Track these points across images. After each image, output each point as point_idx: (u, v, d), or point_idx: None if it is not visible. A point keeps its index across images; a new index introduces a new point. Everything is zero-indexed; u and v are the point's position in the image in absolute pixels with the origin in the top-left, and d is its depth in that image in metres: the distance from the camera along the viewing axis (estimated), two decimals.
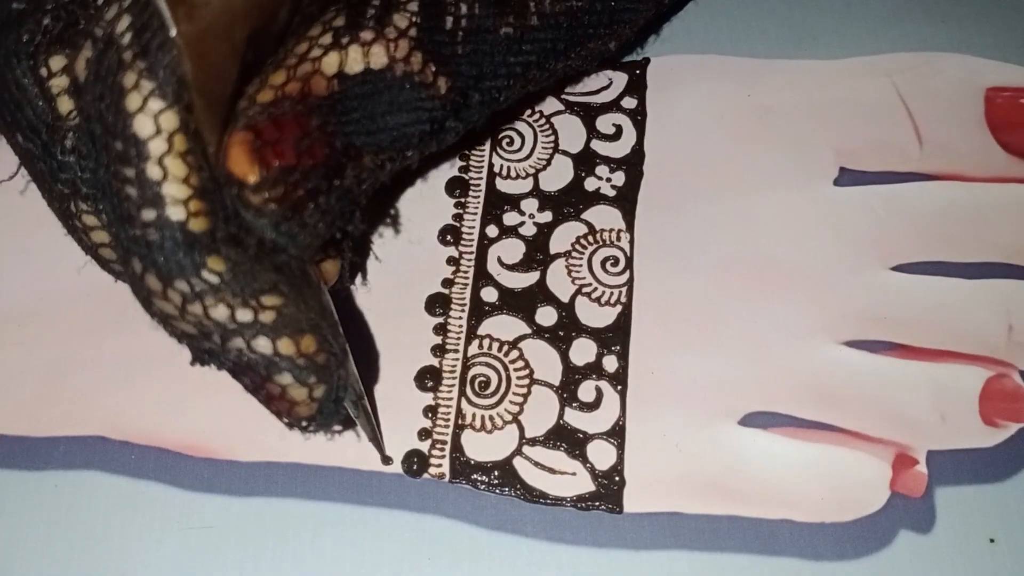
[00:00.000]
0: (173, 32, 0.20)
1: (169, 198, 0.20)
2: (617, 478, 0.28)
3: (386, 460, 0.28)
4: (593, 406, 0.29)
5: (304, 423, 0.24)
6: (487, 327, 0.30)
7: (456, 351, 0.30)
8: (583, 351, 0.30)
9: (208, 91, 0.21)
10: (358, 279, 0.31)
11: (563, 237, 0.31)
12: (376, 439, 0.28)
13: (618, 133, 0.33)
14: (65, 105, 0.23)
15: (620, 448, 0.28)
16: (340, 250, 0.26)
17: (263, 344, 0.22)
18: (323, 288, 0.25)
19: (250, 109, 0.22)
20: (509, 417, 0.29)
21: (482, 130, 0.29)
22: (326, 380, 0.23)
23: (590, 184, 0.32)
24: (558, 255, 0.31)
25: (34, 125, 0.23)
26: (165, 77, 0.20)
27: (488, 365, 0.29)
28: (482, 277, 0.31)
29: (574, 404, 0.29)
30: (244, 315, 0.22)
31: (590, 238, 0.31)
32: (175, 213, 0.21)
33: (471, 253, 0.31)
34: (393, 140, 0.24)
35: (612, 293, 0.30)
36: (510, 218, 0.32)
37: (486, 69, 0.25)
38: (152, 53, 0.20)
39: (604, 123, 0.33)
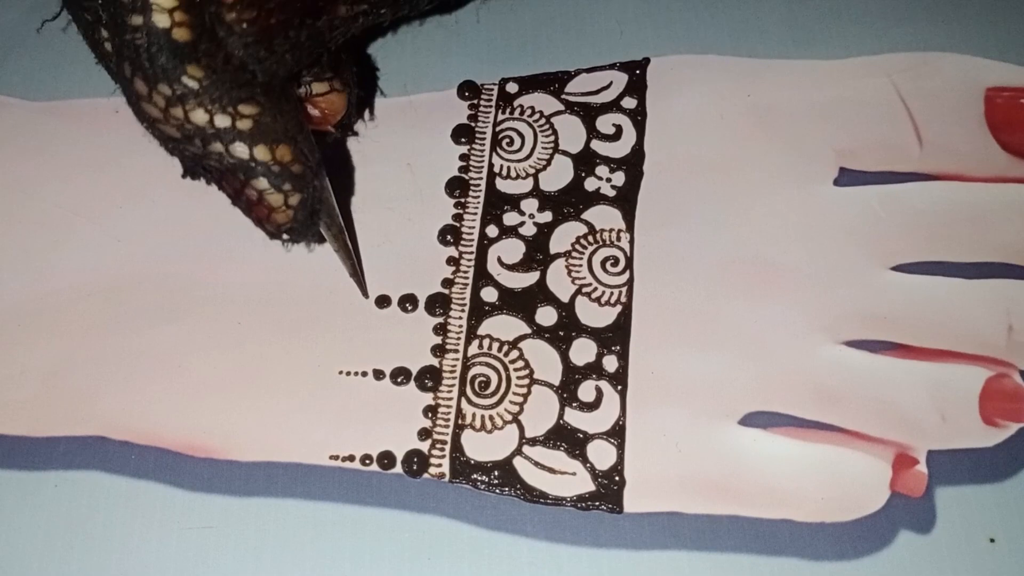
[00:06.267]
0: None
1: (155, 6, 0.23)
2: (617, 478, 0.28)
3: (366, 294, 0.30)
4: (593, 406, 0.29)
5: (282, 230, 0.26)
6: (487, 327, 0.30)
7: (456, 351, 0.30)
8: (583, 351, 0.30)
9: None
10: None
11: (563, 237, 0.31)
12: (356, 274, 0.29)
13: (618, 133, 0.33)
14: None
15: (620, 448, 0.28)
16: (346, 83, 0.28)
17: (240, 149, 0.24)
18: (301, 110, 0.27)
19: None
20: (509, 417, 0.29)
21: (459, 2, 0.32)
22: (301, 188, 0.25)
23: (590, 184, 0.32)
24: (558, 255, 0.31)
25: None
26: None
27: (488, 365, 0.29)
28: (482, 277, 0.31)
29: (574, 404, 0.29)
30: (222, 120, 0.24)
31: (590, 238, 0.31)
32: (160, 20, 0.23)
33: (471, 253, 0.31)
34: None
35: (612, 293, 0.30)
36: (510, 218, 0.32)
37: None
38: None
39: (604, 123, 0.33)
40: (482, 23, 0.35)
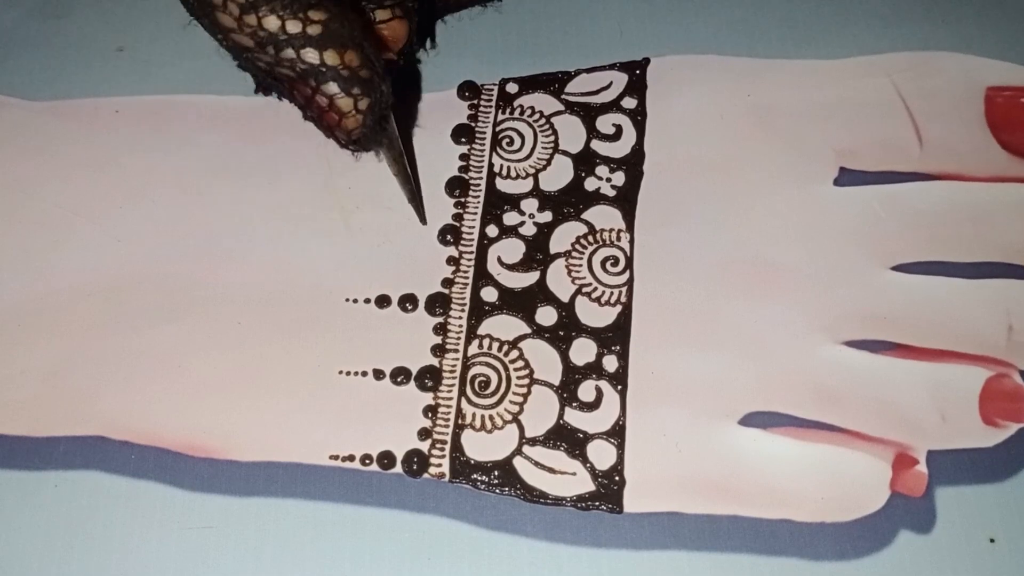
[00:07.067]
0: None
1: None
2: (617, 478, 0.28)
3: (424, 220, 0.31)
4: (593, 406, 0.29)
5: (352, 136, 0.27)
6: (487, 327, 0.30)
7: (456, 351, 0.30)
8: (583, 351, 0.30)
9: None
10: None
11: (563, 237, 0.31)
12: (415, 199, 0.30)
13: (618, 133, 0.33)
14: None
15: (620, 448, 0.28)
16: (407, 11, 0.29)
17: (311, 55, 0.26)
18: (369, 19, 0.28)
19: None
20: (509, 417, 0.29)
21: None
22: (369, 93, 0.26)
23: (590, 184, 0.32)
24: (558, 255, 0.31)
25: None
26: None
27: (488, 365, 0.29)
28: (482, 277, 0.31)
29: (574, 404, 0.29)
30: (293, 26, 0.25)
31: (590, 238, 0.31)
32: None
33: (471, 253, 0.31)
34: None
35: (612, 293, 0.30)
36: (510, 218, 0.32)
37: None
38: None
39: (604, 123, 0.33)
40: (482, 23, 0.35)
